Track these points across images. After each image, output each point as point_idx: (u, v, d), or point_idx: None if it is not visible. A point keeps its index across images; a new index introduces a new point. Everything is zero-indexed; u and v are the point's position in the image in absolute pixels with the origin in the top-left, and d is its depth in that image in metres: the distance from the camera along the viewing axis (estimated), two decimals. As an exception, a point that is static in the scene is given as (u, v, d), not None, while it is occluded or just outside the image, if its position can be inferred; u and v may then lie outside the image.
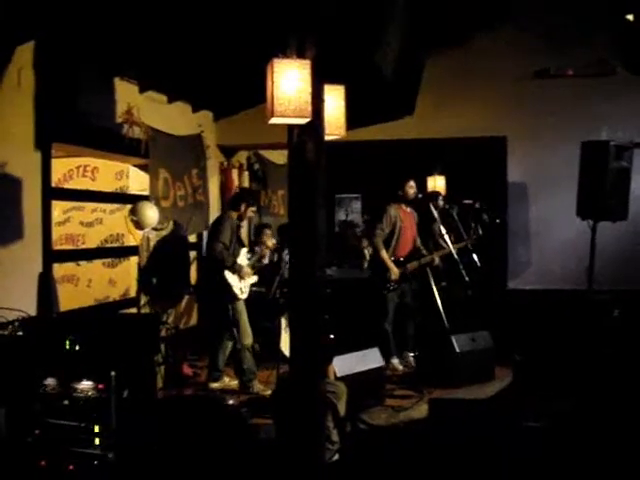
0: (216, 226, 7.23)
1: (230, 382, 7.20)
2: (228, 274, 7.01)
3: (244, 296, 7.10)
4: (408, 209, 8.06)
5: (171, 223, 8.36)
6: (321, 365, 4.74)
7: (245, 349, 6.99)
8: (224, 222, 7.16)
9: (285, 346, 7.38)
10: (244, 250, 7.38)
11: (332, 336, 5.68)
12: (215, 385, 7.14)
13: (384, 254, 7.81)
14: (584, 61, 8.64)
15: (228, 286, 7.00)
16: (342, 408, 5.30)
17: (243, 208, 7.24)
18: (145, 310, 7.40)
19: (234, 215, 7.26)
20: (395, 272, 7.74)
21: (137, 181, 8.30)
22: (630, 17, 8.24)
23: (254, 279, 7.37)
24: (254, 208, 7.44)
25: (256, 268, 7.37)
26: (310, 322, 4.50)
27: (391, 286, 7.77)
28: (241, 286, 7.09)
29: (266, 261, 8.11)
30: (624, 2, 8.23)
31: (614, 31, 8.48)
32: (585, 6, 8.35)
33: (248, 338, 7.03)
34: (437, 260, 7.95)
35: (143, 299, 7.36)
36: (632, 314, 7.78)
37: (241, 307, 7.07)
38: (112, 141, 7.22)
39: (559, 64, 8.73)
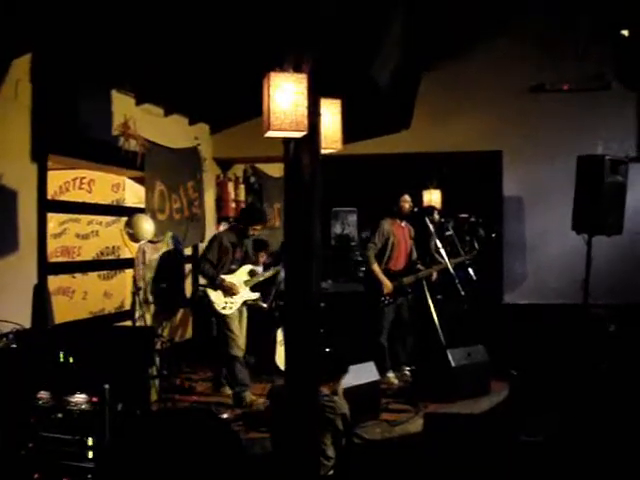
0: (207, 244, 7.38)
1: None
2: (210, 290, 7.09)
3: (228, 312, 7.04)
4: (403, 223, 8.04)
5: (167, 236, 8.36)
6: (318, 380, 4.73)
7: (235, 361, 6.97)
8: (214, 240, 7.28)
9: (281, 359, 7.36)
10: (246, 267, 7.32)
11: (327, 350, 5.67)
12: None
13: (376, 268, 7.80)
14: (579, 76, 8.68)
15: (209, 301, 7.05)
16: (339, 424, 5.27)
17: (242, 226, 7.25)
18: (140, 323, 7.38)
19: (230, 233, 7.30)
20: (388, 286, 7.72)
21: (133, 194, 8.30)
22: (625, 32, 8.29)
23: (251, 295, 7.30)
24: (259, 227, 7.32)
25: (249, 284, 7.31)
26: (306, 336, 4.49)
27: (386, 300, 7.75)
28: (226, 301, 7.05)
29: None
30: (619, 17, 8.28)
31: (609, 46, 8.52)
32: (581, 21, 8.40)
33: (236, 350, 6.99)
34: (435, 274, 7.94)
35: (138, 312, 7.34)
36: (628, 328, 7.78)
37: (229, 321, 7.04)
38: (108, 153, 7.22)
39: (555, 79, 8.77)
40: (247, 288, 7.24)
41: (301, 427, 4.49)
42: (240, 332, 7.15)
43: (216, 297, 7.05)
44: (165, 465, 4.01)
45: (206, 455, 3.96)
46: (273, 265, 8.35)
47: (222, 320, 7.06)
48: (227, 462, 3.90)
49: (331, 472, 5.11)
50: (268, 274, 7.73)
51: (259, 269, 8.09)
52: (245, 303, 7.27)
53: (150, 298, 7.95)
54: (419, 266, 7.98)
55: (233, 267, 7.19)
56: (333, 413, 5.20)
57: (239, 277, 7.21)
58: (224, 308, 7.04)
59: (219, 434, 4.04)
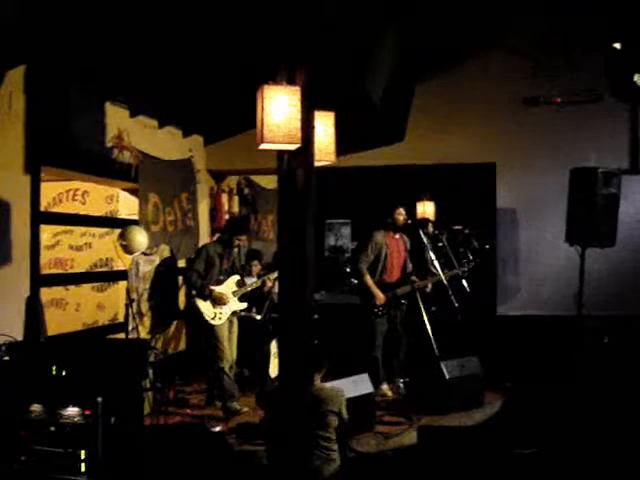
0: (193, 255, 7.51)
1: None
2: (199, 300, 7.13)
3: (217, 322, 7.11)
4: (397, 236, 8.04)
5: (160, 248, 8.36)
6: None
7: (222, 372, 7.03)
8: (201, 251, 7.38)
9: (274, 372, 7.35)
10: (234, 278, 7.38)
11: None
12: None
13: (368, 279, 7.81)
14: (573, 89, 8.71)
15: (199, 312, 7.10)
16: (344, 411, 5.24)
17: (227, 237, 7.35)
18: (133, 335, 7.35)
19: (217, 244, 7.39)
20: (380, 297, 7.73)
21: (127, 205, 8.29)
22: (617, 45, 8.33)
23: (239, 305, 7.35)
24: (243, 237, 7.45)
25: (237, 294, 7.34)
26: (299, 348, 4.48)
27: (379, 311, 7.75)
28: (216, 312, 7.12)
29: (275, 289, 7.99)
30: (612, 30, 8.33)
31: (602, 58, 8.56)
32: (573, 34, 8.44)
33: (224, 362, 7.05)
34: (430, 287, 7.93)
35: (131, 324, 7.32)
36: (621, 340, 7.79)
37: (218, 331, 7.10)
38: (102, 165, 7.22)
39: (548, 91, 8.80)
40: (235, 298, 7.30)
41: (295, 436, 4.48)
42: (229, 343, 7.22)
43: (205, 308, 7.10)
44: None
45: (199, 469, 3.96)
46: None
47: (211, 331, 7.11)
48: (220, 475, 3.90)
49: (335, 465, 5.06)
50: (255, 284, 7.75)
51: (252, 279, 8.09)
52: (234, 313, 7.32)
53: (143, 310, 7.93)
54: (413, 277, 7.97)
55: (221, 278, 7.26)
56: (334, 403, 5.16)
57: (227, 287, 7.27)
58: (213, 318, 7.10)
59: (212, 448, 4.04)
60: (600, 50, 8.48)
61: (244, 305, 7.45)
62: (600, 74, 8.67)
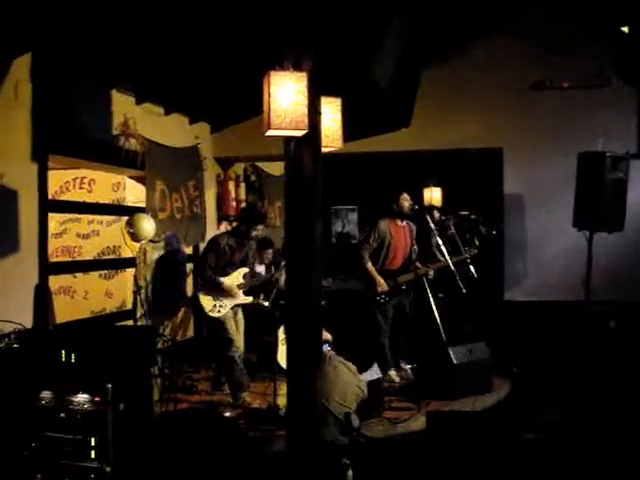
0: (205, 248, 7.41)
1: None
2: (200, 292, 7.11)
3: (216, 314, 7.05)
4: (403, 223, 8.02)
5: (167, 235, 8.36)
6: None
7: (232, 362, 7.00)
8: (211, 245, 7.25)
9: (282, 358, 7.36)
10: (241, 270, 7.29)
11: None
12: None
13: (370, 266, 7.82)
14: (580, 73, 8.67)
15: (199, 304, 7.08)
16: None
17: (244, 228, 7.20)
18: (141, 322, 7.38)
19: (231, 236, 7.26)
20: (381, 284, 7.73)
21: (134, 193, 8.30)
22: (625, 29, 8.28)
23: (244, 299, 7.28)
24: (260, 226, 7.30)
25: (243, 287, 7.28)
26: (307, 334, 4.50)
27: (381, 298, 7.76)
28: (215, 303, 7.06)
29: (281, 283, 7.96)
30: (619, 14, 8.27)
31: (609, 42, 8.51)
32: (580, 18, 8.39)
33: (233, 351, 7.02)
34: (432, 273, 7.92)
35: (139, 311, 7.34)
36: (628, 325, 7.79)
37: (223, 322, 7.05)
38: (109, 153, 7.23)
39: (555, 76, 8.76)
40: (240, 292, 7.22)
41: (304, 420, 4.50)
42: (236, 333, 7.17)
43: (205, 300, 7.06)
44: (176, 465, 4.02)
45: (214, 453, 3.97)
46: (274, 268, 8.36)
47: (217, 322, 7.07)
48: (234, 458, 3.92)
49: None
50: (263, 279, 7.74)
51: (261, 268, 8.08)
52: (237, 306, 7.26)
53: (151, 297, 7.95)
54: (417, 264, 7.97)
55: (228, 270, 7.17)
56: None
57: (233, 280, 7.19)
58: (212, 310, 7.05)
59: (226, 433, 4.06)
60: (608, 34, 8.43)
61: (249, 299, 7.35)
62: (608, 58, 8.62)
